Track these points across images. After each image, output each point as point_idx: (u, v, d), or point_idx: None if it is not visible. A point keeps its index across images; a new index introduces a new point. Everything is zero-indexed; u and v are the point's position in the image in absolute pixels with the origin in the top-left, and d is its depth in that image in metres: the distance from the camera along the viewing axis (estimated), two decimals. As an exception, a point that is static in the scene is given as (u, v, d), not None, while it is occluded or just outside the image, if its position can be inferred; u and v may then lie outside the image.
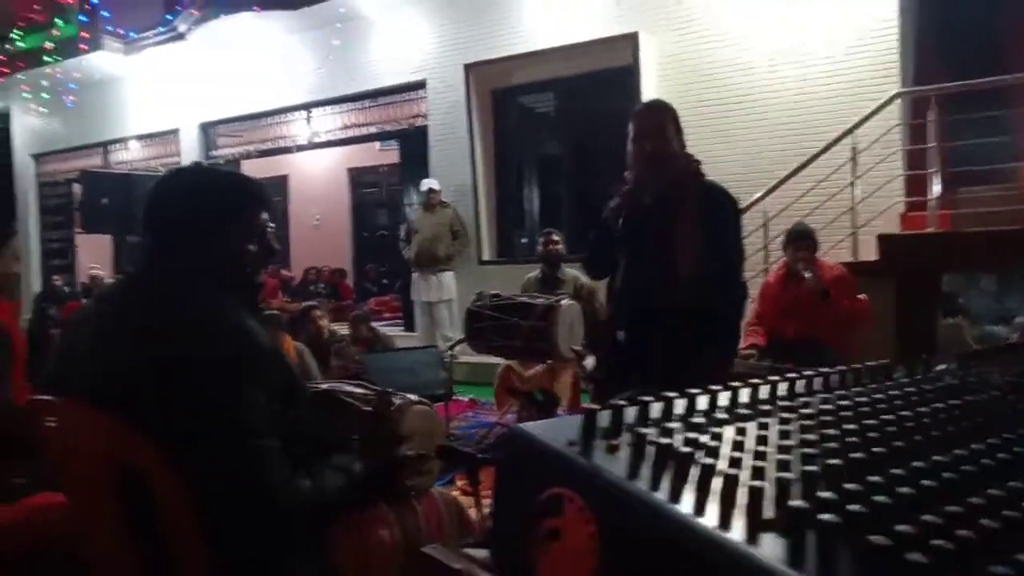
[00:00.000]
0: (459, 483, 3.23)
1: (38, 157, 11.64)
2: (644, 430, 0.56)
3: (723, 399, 0.69)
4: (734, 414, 0.66)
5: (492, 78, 7.24)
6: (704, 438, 0.55)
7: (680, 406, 0.65)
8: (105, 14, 9.30)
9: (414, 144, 7.93)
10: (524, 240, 7.63)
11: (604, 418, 0.58)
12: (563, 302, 4.29)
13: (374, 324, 6.19)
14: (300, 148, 9.03)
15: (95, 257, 10.82)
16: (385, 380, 3.75)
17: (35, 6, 9.12)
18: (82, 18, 9.37)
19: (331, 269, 10.52)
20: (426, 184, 6.96)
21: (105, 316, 1.43)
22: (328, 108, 8.54)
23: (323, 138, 8.73)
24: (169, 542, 1.26)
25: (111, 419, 1.27)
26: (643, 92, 6.05)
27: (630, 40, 6.14)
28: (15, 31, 9.69)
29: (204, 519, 1.26)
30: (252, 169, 10.08)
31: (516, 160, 7.56)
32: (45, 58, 9.59)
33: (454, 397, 5.17)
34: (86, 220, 7.59)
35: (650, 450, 0.53)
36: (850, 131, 5.02)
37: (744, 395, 0.72)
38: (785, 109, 5.73)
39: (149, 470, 1.24)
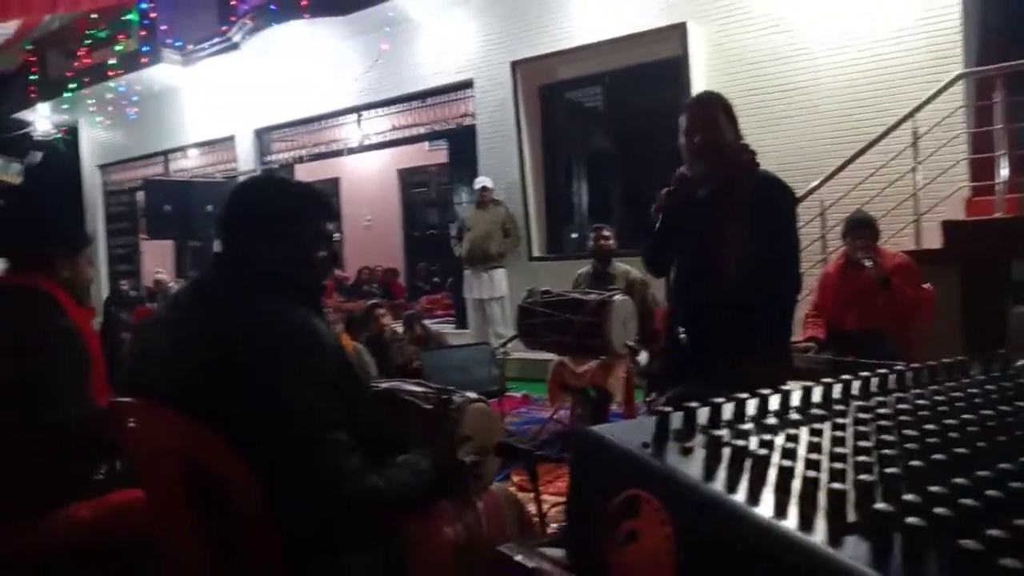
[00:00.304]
0: (515, 479, 3.24)
1: (104, 167, 12.13)
2: (718, 432, 0.55)
3: (795, 399, 0.69)
4: (808, 414, 0.65)
5: (539, 74, 7.23)
6: (779, 439, 0.54)
7: (752, 407, 0.65)
8: (164, 27, 9.64)
9: (462, 143, 7.98)
10: (574, 236, 7.61)
11: (677, 420, 0.58)
12: (615, 298, 4.27)
13: (426, 322, 6.27)
14: (351, 151, 9.18)
15: (159, 262, 11.22)
16: (439, 377, 3.81)
17: (99, 22, 9.48)
18: (142, 33, 9.73)
19: (384, 269, 10.68)
20: (479, 182, 7.00)
21: (177, 319, 1.49)
22: (378, 110, 8.66)
23: (373, 140, 8.86)
24: (242, 536, 1.31)
25: (185, 418, 1.32)
26: (693, 83, 5.96)
27: (678, 31, 6.05)
28: (78, 46, 10.10)
29: (275, 513, 1.31)
30: (305, 173, 10.33)
31: (564, 156, 7.54)
32: (109, 72, 9.98)
33: (507, 393, 5.20)
34: (150, 226, 7.87)
35: (726, 452, 0.53)
36: (911, 115, 4.85)
37: (817, 394, 0.70)
38: (841, 94, 5.57)
39: (222, 467, 1.29)
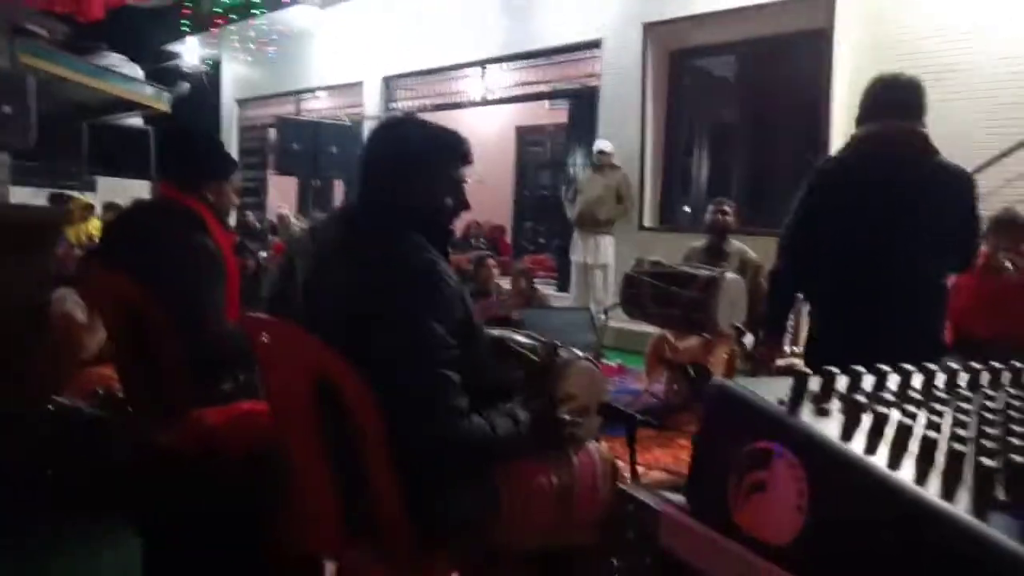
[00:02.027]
0: (603, 444, 3.27)
1: (241, 103, 12.83)
2: (859, 398, 0.55)
3: (940, 379, 0.66)
4: (954, 393, 0.63)
5: (671, 38, 7.01)
6: (922, 412, 0.53)
7: (893, 381, 0.64)
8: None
9: (584, 104, 7.88)
10: (688, 209, 7.41)
11: (814, 382, 0.58)
12: (727, 275, 4.16)
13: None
14: (473, 104, 9.26)
15: (283, 197, 11.84)
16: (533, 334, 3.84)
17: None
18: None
19: (492, 225, 10.81)
20: (598, 145, 6.92)
21: (318, 251, 1.59)
22: (503, 65, 8.65)
23: (496, 95, 8.89)
24: (359, 454, 1.40)
25: (317, 340, 1.42)
26: (836, 58, 5.61)
27: (826, 1, 5.68)
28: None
29: (392, 439, 1.39)
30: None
31: (688, 125, 7.31)
32: (253, 11, 10.48)
33: (603, 361, 5.20)
34: (278, 163, 8.24)
35: (866, 417, 0.53)
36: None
37: (963, 378, 0.68)
38: (997, 81, 5.09)
39: (346, 388, 1.38)
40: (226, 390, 2.21)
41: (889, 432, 0.52)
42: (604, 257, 6.91)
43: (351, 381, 1.37)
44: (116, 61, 9.15)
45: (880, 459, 0.50)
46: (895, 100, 2.23)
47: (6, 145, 6.05)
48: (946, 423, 0.55)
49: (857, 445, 0.52)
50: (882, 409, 0.55)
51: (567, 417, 1.66)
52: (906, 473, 0.49)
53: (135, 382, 2.29)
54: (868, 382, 0.64)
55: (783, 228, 2.48)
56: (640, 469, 2.31)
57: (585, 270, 7.01)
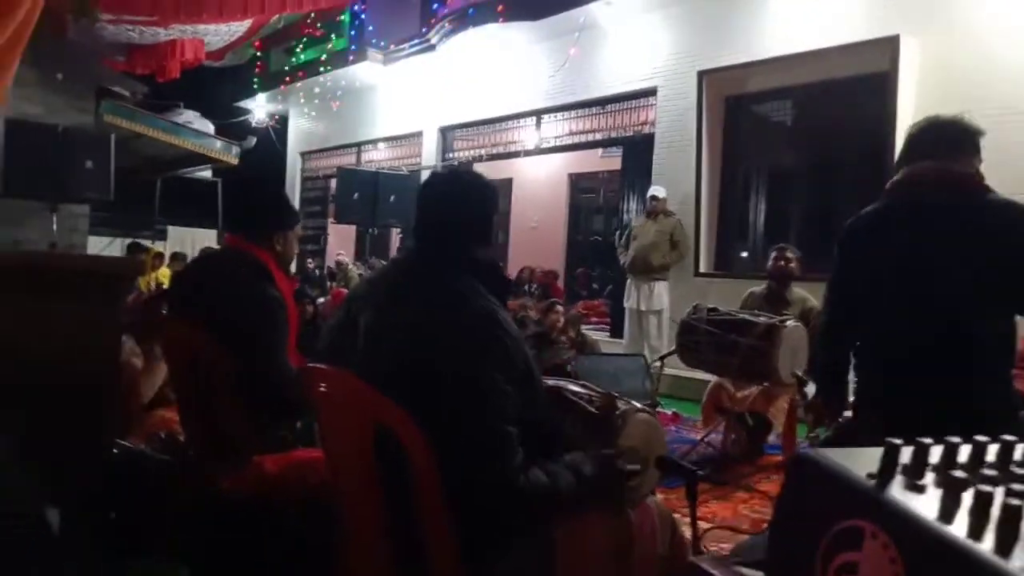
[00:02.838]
0: (660, 496, 3.17)
1: (304, 155, 13.34)
2: (957, 473, 0.51)
3: (1045, 451, 0.61)
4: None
5: (726, 85, 7.01)
6: (1030, 491, 0.49)
7: (992, 452, 0.59)
8: (371, 28, 10.44)
9: (638, 151, 7.91)
10: (745, 254, 7.29)
11: (906, 454, 0.54)
12: (788, 323, 4.04)
13: (583, 328, 6.27)
14: (527, 153, 9.41)
15: (342, 244, 12.16)
16: (590, 383, 3.79)
17: (315, 23, 10.45)
18: (351, 33, 10.60)
19: (544, 270, 10.82)
20: (652, 191, 6.91)
21: (378, 299, 1.60)
22: (557, 114, 8.80)
23: (550, 143, 9.02)
24: (415, 505, 1.38)
25: (374, 390, 1.42)
26: (900, 100, 5.50)
27: (888, 44, 5.60)
28: (298, 44, 11.19)
29: (449, 491, 1.37)
30: (481, 171, 10.68)
31: (744, 171, 7.24)
32: (320, 68, 10.96)
33: (658, 409, 5.09)
34: (338, 211, 8.53)
35: (967, 496, 0.49)
36: None
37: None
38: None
39: (404, 440, 1.37)
40: (285, 437, 2.23)
41: (995, 513, 0.48)
42: (658, 303, 6.83)
43: (408, 431, 1.36)
44: (190, 117, 9.66)
45: (987, 544, 0.46)
46: (929, 141, 2.09)
47: (88, 199, 6.44)
48: (1058, 503, 0.50)
49: (959, 528, 0.48)
50: (985, 487, 0.50)
51: (630, 467, 1.62)
52: (1017, 562, 0.44)
53: (197, 427, 2.33)
54: (964, 454, 0.59)
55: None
56: (700, 524, 2.22)
57: (639, 316, 6.93)
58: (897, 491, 0.52)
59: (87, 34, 6.11)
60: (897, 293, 2.05)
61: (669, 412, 5.67)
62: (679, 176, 7.15)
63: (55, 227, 5.90)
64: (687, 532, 1.88)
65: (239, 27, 8.22)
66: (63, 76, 6.42)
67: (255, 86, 12.39)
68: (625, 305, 7.13)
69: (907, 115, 5.61)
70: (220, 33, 8.29)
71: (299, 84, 11.62)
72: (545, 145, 9.06)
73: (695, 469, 1.86)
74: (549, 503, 1.45)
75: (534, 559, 1.49)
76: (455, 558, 1.37)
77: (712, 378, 4.45)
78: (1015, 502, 0.47)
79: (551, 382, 1.97)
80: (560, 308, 5.76)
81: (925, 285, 1.97)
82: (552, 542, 1.51)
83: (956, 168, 2.02)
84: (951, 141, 2.07)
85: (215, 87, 12.15)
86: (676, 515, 1.90)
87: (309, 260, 12.01)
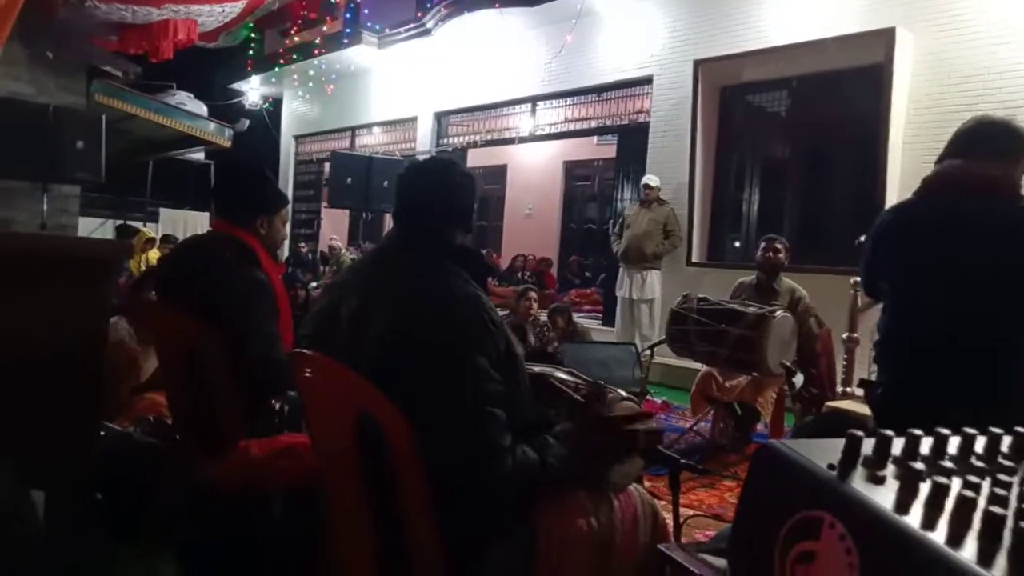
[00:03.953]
0: (647, 484, 3.19)
1: (298, 138, 13.26)
2: (916, 464, 0.52)
3: (1006, 443, 0.62)
4: (1021, 460, 0.58)
5: (722, 75, 6.98)
6: (986, 484, 0.50)
7: (954, 445, 0.59)
8: (366, 11, 10.36)
9: (633, 139, 7.90)
10: (737, 244, 7.30)
11: (868, 445, 0.55)
12: (777, 313, 4.06)
13: (574, 316, 6.28)
14: (522, 140, 9.37)
15: (334, 229, 12.13)
16: (579, 371, 3.79)
17: (310, 6, 10.36)
18: (347, 16, 10.51)
19: (538, 258, 10.84)
20: (646, 179, 6.91)
21: (361, 285, 1.61)
22: (552, 101, 8.76)
23: (545, 131, 8.99)
24: (398, 491, 1.39)
25: (359, 376, 1.42)
26: (894, 93, 5.50)
27: (884, 36, 5.59)
28: (292, 26, 11.09)
29: (432, 476, 1.37)
30: (476, 158, 10.68)
31: (739, 161, 7.24)
32: (314, 51, 10.88)
33: (647, 397, 5.11)
34: (331, 195, 8.47)
35: (924, 487, 0.49)
36: None
37: (1031, 443, 0.63)
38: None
39: (387, 427, 1.38)
40: (271, 422, 2.24)
41: (949, 505, 0.48)
42: (650, 292, 6.85)
43: (391, 418, 1.37)
44: (183, 99, 9.59)
45: (939, 535, 0.47)
46: (970, 140, 2.03)
47: (79, 180, 6.39)
48: (1013, 495, 0.51)
49: (914, 518, 0.48)
50: (942, 479, 0.51)
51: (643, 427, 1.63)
52: (968, 552, 0.45)
53: (184, 411, 2.34)
54: (926, 446, 0.60)
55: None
56: (684, 511, 2.23)
57: (631, 305, 6.95)
58: (857, 482, 0.52)
59: (78, 13, 6.03)
60: (922, 297, 2.00)
61: (659, 401, 5.71)
62: (673, 165, 7.15)
63: (45, 208, 5.86)
64: (670, 520, 1.89)
65: (233, 8, 8.13)
66: (53, 55, 6.36)
67: (248, 68, 12.29)
68: (617, 294, 7.14)
69: (901, 107, 5.62)
70: (214, 14, 8.20)
71: (293, 67, 11.53)
72: (540, 132, 9.03)
73: (678, 458, 1.88)
74: (537, 480, 1.45)
75: (516, 547, 1.49)
76: (435, 545, 1.38)
77: (701, 367, 4.48)
78: (969, 494, 0.48)
79: (537, 369, 1.98)
80: (533, 295, 5.75)
81: (948, 291, 1.92)
82: (534, 530, 1.52)
83: (978, 170, 1.96)
84: (997, 142, 2.00)
85: (209, 69, 12.05)
86: (661, 502, 1.91)
87: (302, 244, 11.98)
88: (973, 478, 0.52)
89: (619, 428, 1.59)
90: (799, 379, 4.17)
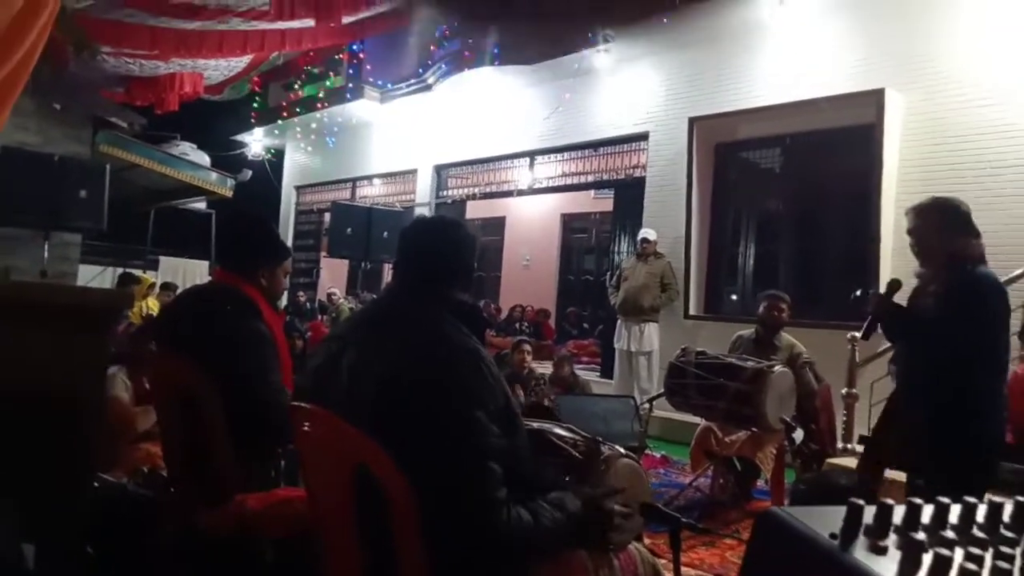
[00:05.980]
0: (647, 541, 3.14)
1: (299, 188, 13.41)
2: (918, 535, 0.52)
3: (1007, 512, 0.62)
4: (1022, 531, 0.59)
5: (717, 132, 7.13)
6: (988, 555, 0.50)
7: (955, 514, 0.60)
8: (368, 67, 10.61)
9: (629, 194, 8.01)
10: (734, 297, 7.34)
11: (869, 514, 0.55)
12: (776, 369, 4.06)
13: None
14: (520, 193, 9.49)
15: (333, 278, 12.16)
16: (577, 424, 3.75)
17: (314, 61, 10.62)
18: (350, 71, 10.76)
19: (536, 309, 10.85)
20: (643, 233, 6.97)
21: (360, 338, 1.61)
22: (550, 156, 8.92)
23: (543, 184, 9.12)
24: (394, 543, 1.37)
25: (356, 430, 1.42)
26: (885, 152, 5.62)
27: (874, 97, 5.74)
28: (296, 80, 11.34)
29: (429, 531, 1.36)
30: (474, 210, 10.81)
31: (734, 215, 7.33)
32: (317, 104, 11.10)
33: (646, 451, 5.06)
34: (332, 245, 8.53)
35: (926, 558, 0.50)
36: None
37: (1031, 512, 0.63)
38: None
39: (385, 479, 1.37)
40: (268, 474, 2.22)
41: (952, 576, 0.49)
42: (648, 345, 6.84)
43: (389, 471, 1.36)
44: (186, 149, 9.74)
45: (943, 608, 0.47)
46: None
47: (82, 228, 6.45)
48: (1016, 568, 0.51)
49: (917, 590, 0.49)
50: (944, 550, 0.52)
51: (620, 508, 1.61)
52: (972, 627, 0.45)
53: (180, 461, 2.31)
54: (927, 515, 0.61)
55: None
56: (685, 571, 2.19)
57: (629, 357, 6.94)
58: (859, 552, 0.53)
59: (88, 66, 6.19)
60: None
61: (658, 455, 5.64)
62: (669, 219, 7.24)
63: (46, 255, 5.90)
64: (670, 580, 1.86)
65: (238, 62, 8.35)
66: (61, 106, 6.49)
67: (252, 120, 12.50)
68: (615, 346, 7.13)
69: (892, 165, 5.73)
70: (219, 68, 8.42)
71: (296, 119, 11.74)
72: (538, 185, 9.16)
73: (679, 516, 1.85)
74: (532, 541, 1.44)
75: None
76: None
77: (701, 422, 4.44)
78: (972, 566, 0.48)
79: (536, 425, 1.97)
80: (527, 347, 5.76)
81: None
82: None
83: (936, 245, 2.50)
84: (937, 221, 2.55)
85: (213, 120, 12.26)
86: (662, 561, 1.89)
87: (300, 293, 11.99)
88: (975, 550, 0.52)
89: (604, 508, 1.59)
90: (799, 435, 4.14)
